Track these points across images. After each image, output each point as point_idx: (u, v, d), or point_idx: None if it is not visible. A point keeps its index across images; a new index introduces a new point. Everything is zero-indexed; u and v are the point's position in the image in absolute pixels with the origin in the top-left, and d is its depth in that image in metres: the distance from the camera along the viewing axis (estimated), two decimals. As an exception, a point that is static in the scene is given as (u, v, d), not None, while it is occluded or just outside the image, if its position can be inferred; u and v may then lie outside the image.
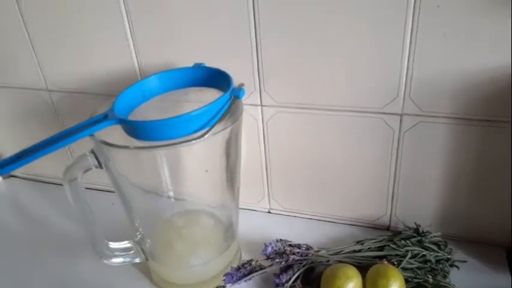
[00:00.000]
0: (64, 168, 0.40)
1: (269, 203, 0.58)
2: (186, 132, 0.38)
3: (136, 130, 0.38)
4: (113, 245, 0.45)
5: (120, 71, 0.53)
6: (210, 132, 0.37)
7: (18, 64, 0.58)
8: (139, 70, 0.53)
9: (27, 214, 0.63)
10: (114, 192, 0.64)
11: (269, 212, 0.59)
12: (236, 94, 0.40)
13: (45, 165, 0.68)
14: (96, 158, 0.40)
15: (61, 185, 0.66)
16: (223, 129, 0.39)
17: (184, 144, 0.37)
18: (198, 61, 0.47)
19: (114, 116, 0.38)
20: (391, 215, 0.52)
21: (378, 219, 0.53)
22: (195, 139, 0.37)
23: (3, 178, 0.71)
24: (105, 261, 0.45)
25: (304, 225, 0.56)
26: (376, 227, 0.54)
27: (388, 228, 0.54)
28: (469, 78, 0.41)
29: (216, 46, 0.48)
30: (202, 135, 0.37)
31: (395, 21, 0.41)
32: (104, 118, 0.38)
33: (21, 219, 0.62)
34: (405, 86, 0.44)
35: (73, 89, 0.58)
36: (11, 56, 0.58)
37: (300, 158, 0.52)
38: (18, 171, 0.71)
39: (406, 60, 0.42)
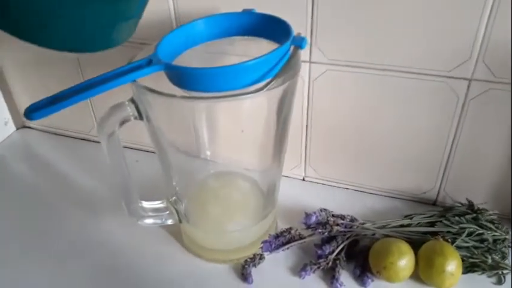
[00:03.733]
0: (98, 120, 0.36)
1: (304, 170, 0.54)
2: (240, 84, 0.33)
3: (187, 78, 0.33)
4: (146, 204, 0.42)
5: (150, 16, 0.48)
6: (269, 86, 0.33)
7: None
8: (175, 15, 0.47)
9: (43, 167, 0.59)
10: (138, 150, 0.60)
11: (303, 180, 0.55)
12: (298, 43, 0.35)
13: (62, 117, 0.63)
14: (137, 107, 0.35)
15: (78, 138, 0.62)
16: (281, 84, 0.34)
17: (241, 97, 0.32)
18: (243, 7, 0.42)
19: (159, 61, 0.34)
20: (439, 190, 0.49)
21: (424, 193, 0.50)
22: (252, 92, 0.32)
23: (17, 128, 0.67)
24: (138, 221, 0.42)
25: (341, 195, 0.53)
26: (420, 201, 0.51)
27: (434, 203, 0.50)
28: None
29: (265, -8, 0.42)
30: (261, 89, 0.33)
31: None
32: (148, 63, 0.34)
33: (36, 171, 0.58)
34: (480, 47, 0.39)
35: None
36: None
37: (345, 122, 0.48)
38: (32, 122, 0.67)
39: (487, 17, 0.37)
